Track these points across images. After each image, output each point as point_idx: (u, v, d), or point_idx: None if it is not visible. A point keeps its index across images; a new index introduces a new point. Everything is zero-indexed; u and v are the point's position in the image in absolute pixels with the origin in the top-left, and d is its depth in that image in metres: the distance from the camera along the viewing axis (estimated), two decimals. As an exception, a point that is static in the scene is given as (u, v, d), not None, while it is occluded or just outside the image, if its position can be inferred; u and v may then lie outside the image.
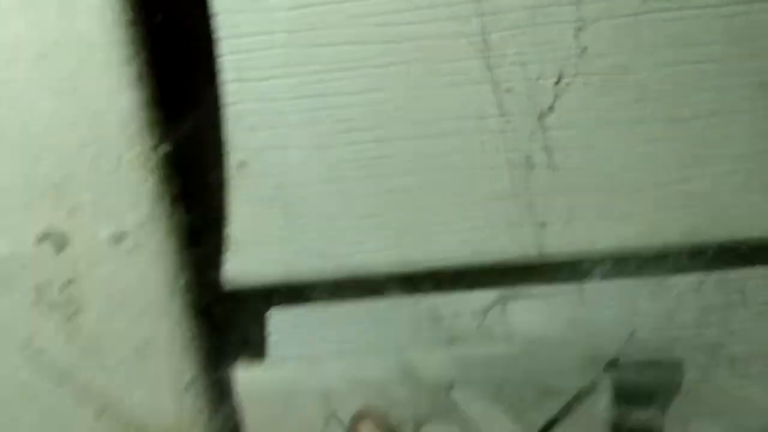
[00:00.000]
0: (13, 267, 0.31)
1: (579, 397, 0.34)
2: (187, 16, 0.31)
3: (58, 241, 0.31)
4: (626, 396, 0.35)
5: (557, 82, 0.33)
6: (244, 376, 0.35)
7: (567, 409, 0.34)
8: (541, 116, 0.33)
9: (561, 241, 0.34)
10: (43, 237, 0.30)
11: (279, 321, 0.36)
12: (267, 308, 0.35)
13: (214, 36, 0.32)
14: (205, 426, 0.33)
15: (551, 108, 0.33)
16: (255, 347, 0.35)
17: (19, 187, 0.30)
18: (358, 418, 0.34)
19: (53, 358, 0.32)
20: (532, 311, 0.36)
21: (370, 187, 0.34)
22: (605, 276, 0.35)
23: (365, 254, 0.34)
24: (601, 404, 0.35)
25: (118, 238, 0.31)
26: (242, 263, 0.34)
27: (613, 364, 0.34)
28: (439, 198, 0.34)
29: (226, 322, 0.34)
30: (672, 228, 0.35)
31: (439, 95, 0.33)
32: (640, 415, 0.34)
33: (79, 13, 0.28)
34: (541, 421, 0.34)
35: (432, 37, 0.33)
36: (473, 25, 0.33)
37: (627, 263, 0.35)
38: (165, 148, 0.31)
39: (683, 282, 0.36)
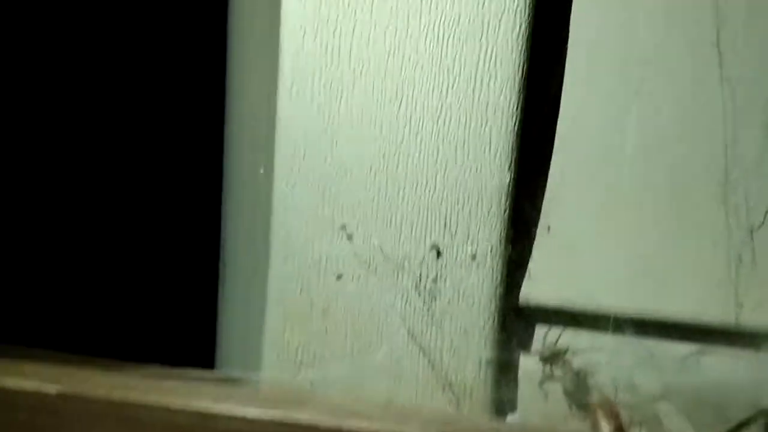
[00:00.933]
0: (408, 263, 0.51)
1: (743, 424, 0.50)
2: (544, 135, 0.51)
3: (438, 251, 0.50)
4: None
5: (766, 213, 0.51)
6: (523, 364, 0.53)
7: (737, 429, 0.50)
8: (752, 230, 0.51)
9: (751, 318, 0.51)
10: (431, 247, 0.50)
11: (546, 332, 0.54)
12: (541, 321, 0.54)
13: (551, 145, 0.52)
14: (489, 395, 0.52)
15: (760, 226, 0.50)
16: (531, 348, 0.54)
17: (423, 217, 0.50)
18: (597, 404, 0.51)
19: (418, 324, 0.51)
20: (718, 364, 0.53)
21: (625, 255, 0.52)
22: (776, 348, 0.51)
23: (612, 297, 0.52)
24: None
25: (473, 256, 0.50)
26: (531, 289, 0.53)
27: (765, 412, 0.50)
28: (670, 272, 0.51)
29: (517, 327, 0.53)
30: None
31: (693, 216, 0.51)
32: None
33: (489, 119, 0.49)
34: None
35: (695, 204, 0.51)
36: (720, 174, 0.50)
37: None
38: (509, 210, 0.50)
39: (834, 366, 0.52)
